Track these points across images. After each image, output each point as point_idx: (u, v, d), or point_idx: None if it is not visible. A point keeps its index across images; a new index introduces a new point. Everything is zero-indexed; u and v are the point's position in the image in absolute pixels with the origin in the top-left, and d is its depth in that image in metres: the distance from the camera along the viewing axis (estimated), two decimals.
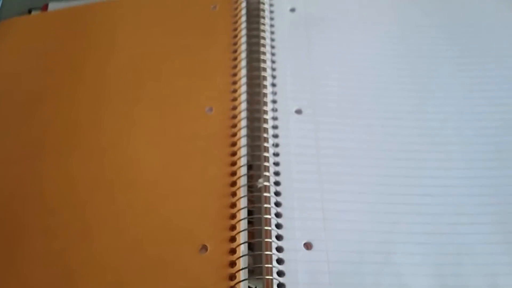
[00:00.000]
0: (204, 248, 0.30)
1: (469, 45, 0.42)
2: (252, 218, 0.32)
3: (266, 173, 0.33)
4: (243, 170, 0.33)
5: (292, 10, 0.43)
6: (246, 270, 0.29)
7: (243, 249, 0.30)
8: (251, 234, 0.31)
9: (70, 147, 0.35)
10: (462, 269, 0.31)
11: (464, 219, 0.33)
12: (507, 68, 0.41)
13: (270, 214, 0.32)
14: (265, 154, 0.34)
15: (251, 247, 0.31)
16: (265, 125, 0.35)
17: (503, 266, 0.31)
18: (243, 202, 0.32)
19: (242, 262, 0.29)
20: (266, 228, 0.31)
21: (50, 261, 0.30)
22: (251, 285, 0.29)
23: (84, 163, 0.34)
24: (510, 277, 0.30)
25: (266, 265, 0.30)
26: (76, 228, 0.32)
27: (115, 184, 0.33)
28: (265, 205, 0.32)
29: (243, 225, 0.31)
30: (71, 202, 0.33)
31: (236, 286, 0.29)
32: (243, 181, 0.33)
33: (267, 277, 0.29)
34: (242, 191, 0.32)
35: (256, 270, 0.30)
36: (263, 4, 0.42)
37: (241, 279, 0.29)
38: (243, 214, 0.31)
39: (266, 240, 0.31)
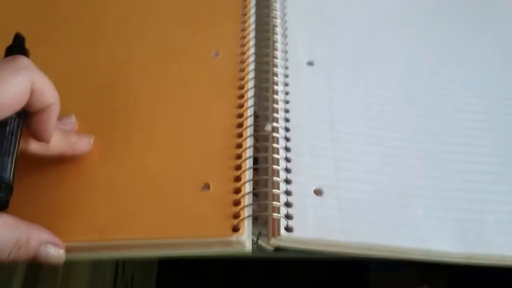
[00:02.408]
0: (207, 186, 0.28)
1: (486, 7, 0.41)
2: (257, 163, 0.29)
3: (276, 115, 0.31)
4: (250, 112, 0.31)
5: None
6: (251, 207, 0.27)
7: (248, 187, 0.28)
8: (256, 182, 0.29)
9: (73, 87, 0.33)
10: (485, 226, 0.29)
11: (487, 177, 0.31)
12: None
13: (278, 154, 0.29)
14: (275, 96, 0.32)
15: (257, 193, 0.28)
16: (275, 70, 0.33)
17: None
18: (249, 142, 0.29)
19: (247, 200, 0.27)
20: (273, 166, 0.28)
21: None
22: (255, 231, 0.27)
23: (87, 102, 0.32)
24: None
25: (273, 202, 0.27)
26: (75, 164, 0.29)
27: (117, 122, 0.31)
28: (273, 145, 0.29)
29: (248, 164, 0.28)
30: None
31: (240, 223, 0.26)
32: (249, 122, 0.30)
33: (274, 214, 0.26)
34: (249, 131, 0.30)
35: (262, 216, 0.27)
36: None
37: (246, 215, 0.26)
38: (249, 153, 0.29)
39: (273, 178, 0.28)
